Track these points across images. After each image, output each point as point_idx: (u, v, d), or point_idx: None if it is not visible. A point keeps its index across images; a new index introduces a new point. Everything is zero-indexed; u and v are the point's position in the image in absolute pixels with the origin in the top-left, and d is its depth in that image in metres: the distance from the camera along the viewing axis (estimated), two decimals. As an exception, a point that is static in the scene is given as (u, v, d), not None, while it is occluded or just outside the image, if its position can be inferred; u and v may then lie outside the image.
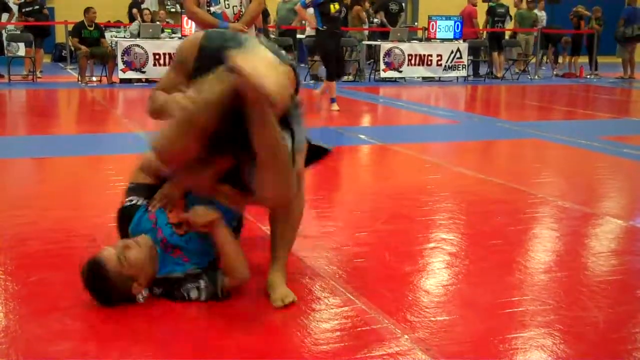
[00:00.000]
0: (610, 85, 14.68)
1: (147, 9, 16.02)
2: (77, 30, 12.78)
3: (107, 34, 14.15)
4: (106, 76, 12.85)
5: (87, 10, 12.85)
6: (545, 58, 18.27)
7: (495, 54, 15.72)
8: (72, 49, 13.82)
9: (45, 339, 2.49)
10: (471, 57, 15.37)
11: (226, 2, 4.54)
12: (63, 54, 16.90)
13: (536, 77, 15.99)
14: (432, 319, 2.73)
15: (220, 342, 2.51)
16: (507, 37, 16.86)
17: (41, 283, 3.03)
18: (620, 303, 2.95)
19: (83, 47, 12.45)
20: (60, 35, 16.28)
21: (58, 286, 2.96)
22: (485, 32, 16.44)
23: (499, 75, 15.61)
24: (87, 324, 2.65)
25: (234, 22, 4.51)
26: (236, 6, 4.55)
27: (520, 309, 2.86)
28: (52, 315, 2.67)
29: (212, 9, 4.54)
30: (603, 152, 6.66)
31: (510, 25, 16.56)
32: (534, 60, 16.62)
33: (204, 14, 4.51)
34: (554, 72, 16.90)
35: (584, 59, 17.19)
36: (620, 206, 4.84)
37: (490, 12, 15.75)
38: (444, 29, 14.79)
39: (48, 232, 3.81)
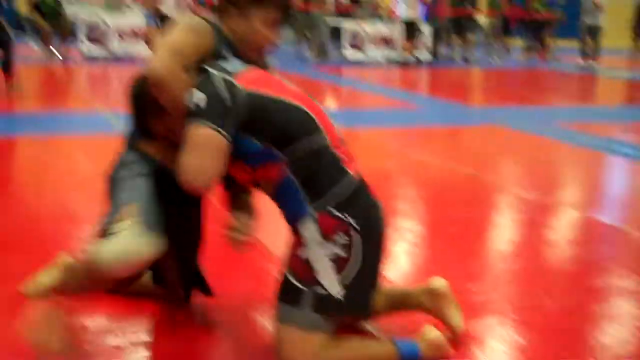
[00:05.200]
0: (571, 71, 14.73)
1: None
2: (34, 2, 12.51)
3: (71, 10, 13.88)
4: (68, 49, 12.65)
5: None
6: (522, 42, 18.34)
7: (457, 36, 15.76)
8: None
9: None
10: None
11: None
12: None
13: (497, 59, 16.01)
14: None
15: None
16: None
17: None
18: (572, 293, 3.05)
19: (45, 25, 12.21)
20: (22, 5, 15.87)
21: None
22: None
23: (459, 58, 15.66)
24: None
25: None
26: None
27: (475, 297, 2.93)
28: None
29: None
30: (562, 140, 6.69)
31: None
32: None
33: None
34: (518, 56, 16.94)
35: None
36: (578, 197, 4.96)
37: None
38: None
39: (15, 216, 3.77)
